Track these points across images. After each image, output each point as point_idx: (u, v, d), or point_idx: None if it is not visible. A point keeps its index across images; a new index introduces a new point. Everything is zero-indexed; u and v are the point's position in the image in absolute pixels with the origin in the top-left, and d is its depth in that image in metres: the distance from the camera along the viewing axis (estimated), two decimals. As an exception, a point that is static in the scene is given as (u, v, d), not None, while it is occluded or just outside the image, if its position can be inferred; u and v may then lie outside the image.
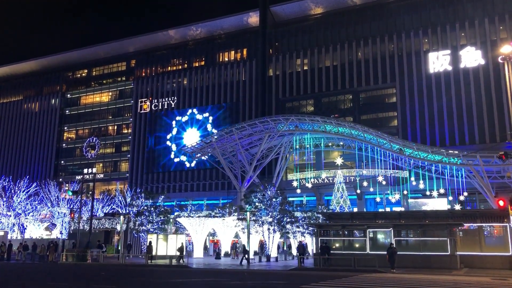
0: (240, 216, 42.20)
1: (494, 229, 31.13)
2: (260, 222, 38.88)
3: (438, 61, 61.56)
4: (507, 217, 27.90)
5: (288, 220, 39.60)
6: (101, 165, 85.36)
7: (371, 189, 53.48)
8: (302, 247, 34.36)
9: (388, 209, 53.51)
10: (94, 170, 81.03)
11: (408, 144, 51.09)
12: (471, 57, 59.75)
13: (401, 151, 50.92)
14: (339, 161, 52.53)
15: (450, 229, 29.02)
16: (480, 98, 58.56)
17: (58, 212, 62.28)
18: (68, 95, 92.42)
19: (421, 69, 62.34)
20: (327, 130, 53.72)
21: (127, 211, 50.04)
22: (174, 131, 77.46)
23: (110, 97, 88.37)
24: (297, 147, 58.58)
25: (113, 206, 63.64)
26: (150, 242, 38.46)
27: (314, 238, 37.67)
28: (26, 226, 62.52)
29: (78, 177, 74.90)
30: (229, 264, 35.00)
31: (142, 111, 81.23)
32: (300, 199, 61.91)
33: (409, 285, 19.46)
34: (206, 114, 75.53)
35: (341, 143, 57.81)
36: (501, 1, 60.41)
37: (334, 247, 31.66)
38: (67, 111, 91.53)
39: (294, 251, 43.43)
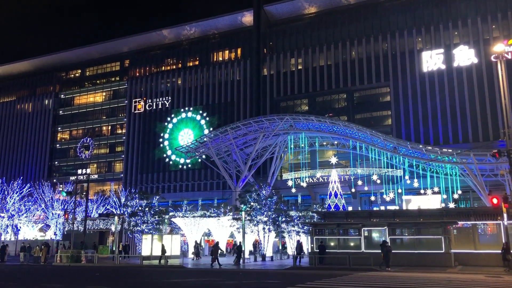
0: (235, 216, 42.17)
1: (488, 227, 31.34)
2: (255, 222, 38.90)
3: (431, 60, 61.84)
4: (501, 215, 28.06)
5: (283, 219, 39.64)
6: (95, 165, 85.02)
7: (366, 188, 53.62)
8: (299, 246, 34.41)
9: (382, 208, 53.67)
10: (88, 170, 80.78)
11: (402, 143, 51.27)
12: (464, 56, 60.07)
13: (395, 150, 51.09)
14: (333, 160, 52.61)
15: (445, 227, 29.14)
16: (474, 96, 58.90)
17: (52, 213, 61.96)
18: (62, 96, 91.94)
19: (415, 68, 62.59)
20: (322, 129, 53.78)
21: (122, 212, 49.86)
22: (169, 131, 77.28)
23: (104, 97, 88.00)
24: (292, 146, 58.63)
25: (108, 207, 63.39)
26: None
27: (309, 237, 37.73)
28: (20, 227, 62.15)
29: (72, 178, 74.58)
30: (224, 263, 34.96)
31: (136, 111, 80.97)
32: (295, 198, 62.00)
33: (403, 283, 19.53)
34: (201, 114, 75.43)
35: (336, 142, 57.92)
36: (494, 0, 60.77)
37: (329, 246, 31.74)
38: (60, 112, 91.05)
39: (289, 250, 43.48)
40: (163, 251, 36.22)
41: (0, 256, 40.87)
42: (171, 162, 76.01)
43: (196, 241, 43.64)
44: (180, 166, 75.06)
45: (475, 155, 47.32)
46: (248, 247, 45.10)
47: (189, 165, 74.05)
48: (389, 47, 65.10)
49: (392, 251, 27.85)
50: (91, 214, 58.99)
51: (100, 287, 19.40)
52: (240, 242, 36.40)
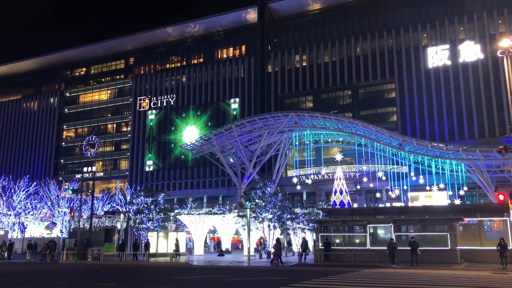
0: (240, 213, 42.18)
1: (494, 223, 31.18)
2: (260, 219, 38.88)
3: (437, 56, 61.49)
4: (507, 211, 27.92)
5: (288, 216, 39.60)
6: (100, 163, 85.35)
7: (371, 185, 53.52)
8: (305, 243, 34.34)
9: (388, 205, 53.54)
10: (94, 168, 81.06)
11: (407, 139, 51.06)
12: (470, 52, 59.68)
13: (401, 147, 50.90)
14: (338, 157, 52.49)
15: (450, 224, 29.04)
16: (479, 92, 58.54)
17: (58, 211, 62.29)
18: (67, 94, 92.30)
19: (420, 64, 62.27)
20: (327, 126, 53.67)
21: (127, 209, 50.04)
22: (173, 128, 77.42)
23: (109, 95, 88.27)
24: (297, 143, 58.53)
25: (113, 204, 63.69)
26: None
27: (314, 234, 37.67)
28: (27, 225, 62.57)
29: (78, 176, 74.92)
30: (230, 260, 35.01)
31: (141, 109, 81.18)
32: (300, 195, 61.90)
33: (409, 280, 19.48)
34: (205, 111, 75.48)
35: (341, 139, 57.79)
36: (500, -5, 60.32)
37: (334, 243, 31.70)
38: (66, 110, 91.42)
39: (294, 248, 43.43)
40: (136, 247, 39.46)
41: (7, 254, 41.18)
42: (176, 160, 76.14)
43: (176, 239, 43.58)
44: (185, 164, 75.20)
45: (481, 151, 47.06)
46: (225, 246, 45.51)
47: (194, 163, 74.13)
48: (394, 43, 64.80)
49: (398, 247, 27.79)
50: (97, 212, 59.24)
51: (106, 285, 19.47)
52: (278, 238, 34.64)
